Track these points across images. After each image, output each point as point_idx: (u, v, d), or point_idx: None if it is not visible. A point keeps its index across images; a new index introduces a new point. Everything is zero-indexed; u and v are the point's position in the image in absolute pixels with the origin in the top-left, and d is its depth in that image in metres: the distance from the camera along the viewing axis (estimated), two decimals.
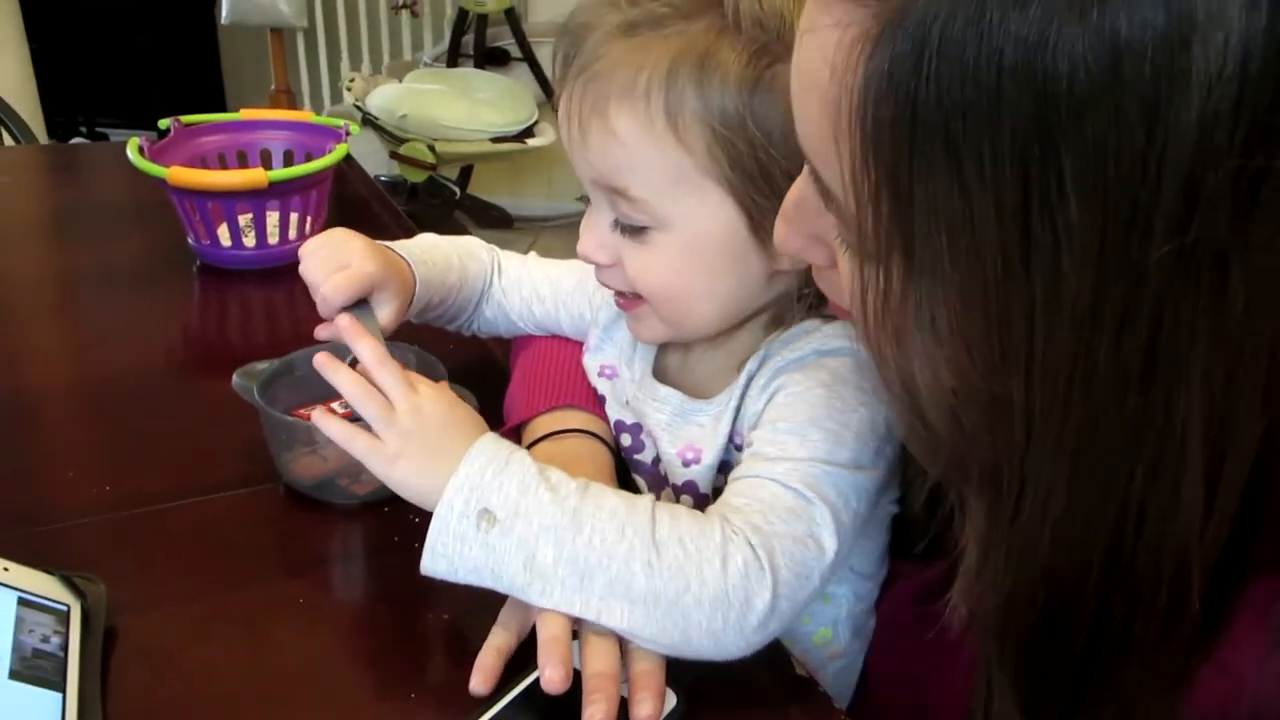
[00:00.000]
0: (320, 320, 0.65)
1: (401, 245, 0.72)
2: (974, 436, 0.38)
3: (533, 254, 0.80)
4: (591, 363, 0.72)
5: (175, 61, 3.82)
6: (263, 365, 0.70)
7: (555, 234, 3.30)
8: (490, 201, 3.37)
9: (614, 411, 0.69)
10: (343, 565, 0.65)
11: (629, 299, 0.63)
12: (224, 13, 3.18)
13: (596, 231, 0.61)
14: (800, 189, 0.47)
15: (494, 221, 3.35)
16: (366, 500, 0.66)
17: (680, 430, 0.64)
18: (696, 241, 0.58)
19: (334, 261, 0.65)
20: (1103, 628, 0.40)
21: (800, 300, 0.61)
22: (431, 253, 0.74)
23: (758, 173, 0.55)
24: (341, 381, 0.57)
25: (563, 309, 0.75)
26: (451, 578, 0.53)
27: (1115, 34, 0.30)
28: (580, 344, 0.74)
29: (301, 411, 0.67)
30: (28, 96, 2.36)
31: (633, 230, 0.59)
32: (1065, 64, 0.30)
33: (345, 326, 0.61)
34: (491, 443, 0.55)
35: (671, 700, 0.52)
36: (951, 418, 0.39)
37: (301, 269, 0.66)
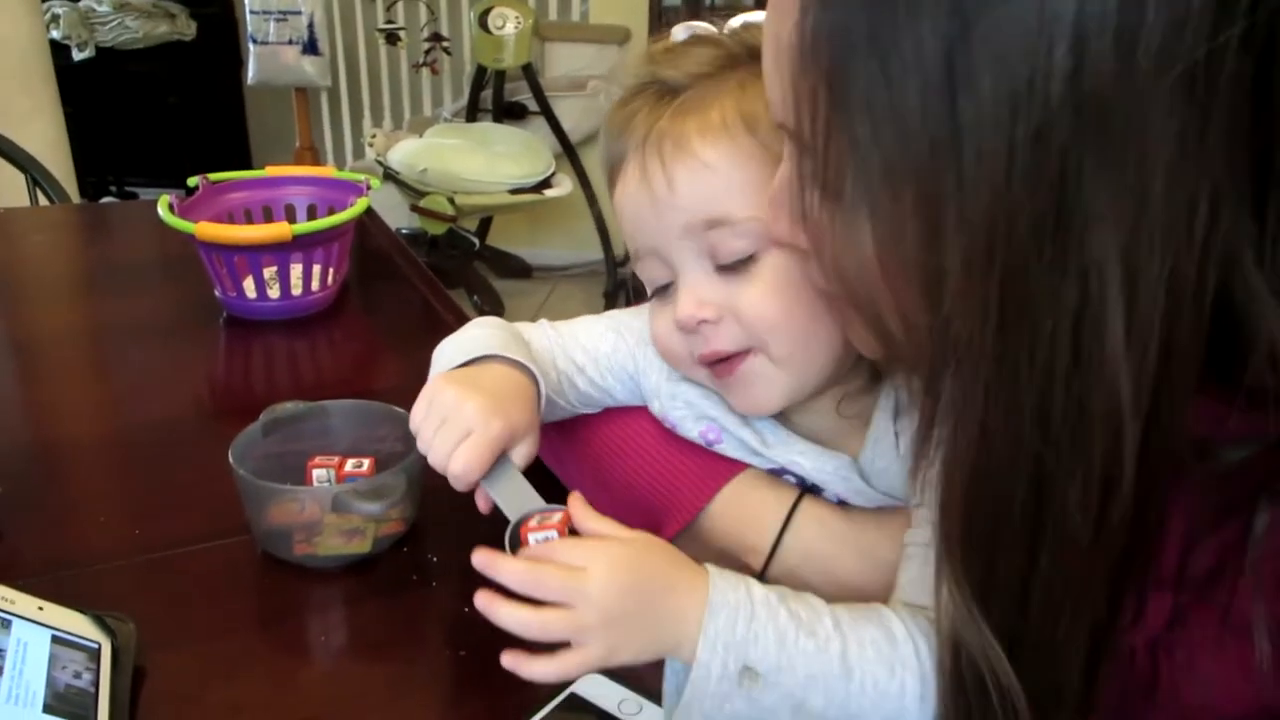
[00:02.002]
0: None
1: (486, 340, 0.65)
2: (908, 314, 0.42)
3: (544, 321, 0.73)
4: (688, 427, 0.65)
5: (203, 122, 3.93)
6: (290, 405, 0.72)
7: (574, 282, 3.34)
8: (509, 252, 3.42)
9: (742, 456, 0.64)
10: (364, 605, 0.66)
11: (730, 359, 0.59)
12: (250, 74, 3.29)
13: (694, 289, 0.58)
14: (784, 169, 0.48)
15: (513, 271, 3.40)
16: (323, 565, 0.66)
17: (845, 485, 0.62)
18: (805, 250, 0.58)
19: (453, 432, 0.57)
20: (1042, 508, 0.41)
21: None
22: (517, 343, 0.66)
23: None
24: (509, 618, 0.49)
25: (610, 375, 0.68)
26: None
27: None
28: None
29: (319, 459, 0.69)
30: (61, 157, 2.44)
31: (737, 266, 0.57)
32: None
33: (477, 561, 0.51)
34: (724, 584, 0.50)
35: None
36: (888, 299, 0.42)
37: (420, 446, 0.59)
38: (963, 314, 0.38)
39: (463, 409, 0.58)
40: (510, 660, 0.49)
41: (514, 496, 0.57)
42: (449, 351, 0.65)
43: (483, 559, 0.51)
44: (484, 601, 0.50)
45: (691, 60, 0.59)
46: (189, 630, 0.61)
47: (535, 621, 0.48)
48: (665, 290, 0.61)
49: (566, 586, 0.48)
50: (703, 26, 0.61)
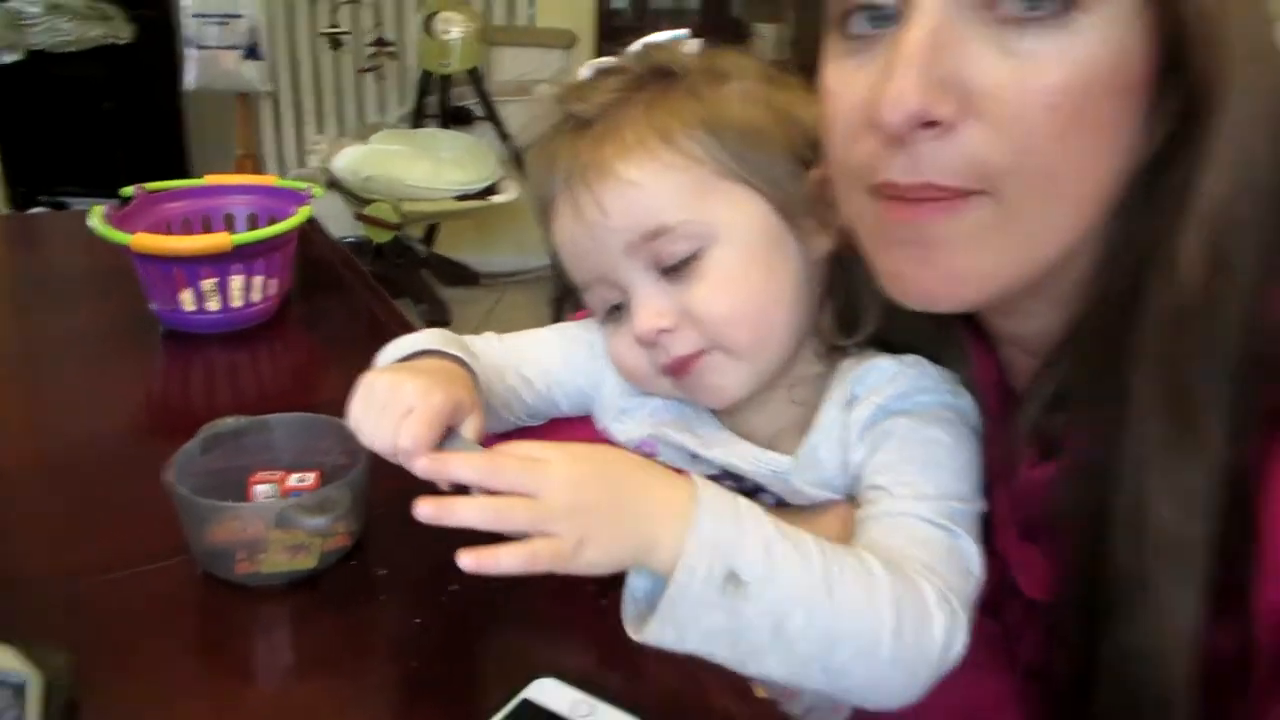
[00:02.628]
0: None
1: (424, 341, 0.65)
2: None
3: (490, 335, 0.74)
4: (624, 439, 0.67)
5: (139, 128, 3.83)
6: (230, 420, 0.70)
7: (522, 289, 3.33)
8: (456, 259, 3.40)
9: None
10: (311, 621, 0.64)
11: (690, 357, 0.60)
12: (189, 79, 3.22)
13: (648, 302, 0.60)
14: (929, 24, 0.44)
15: (460, 279, 3.38)
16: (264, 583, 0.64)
17: (781, 486, 0.63)
18: (746, 242, 0.60)
19: (394, 412, 0.56)
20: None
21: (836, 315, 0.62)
22: (455, 345, 0.66)
23: (759, 160, 0.59)
24: (467, 514, 0.48)
25: (558, 389, 0.71)
26: (677, 644, 0.48)
27: None
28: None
29: (261, 475, 0.67)
30: None
31: (683, 267, 0.59)
32: None
33: (425, 468, 0.51)
34: (710, 487, 0.49)
35: None
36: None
37: (364, 440, 0.58)
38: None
39: (400, 390, 0.57)
40: (471, 559, 0.47)
41: None
42: (387, 353, 0.65)
43: (430, 460, 0.49)
44: (431, 509, 0.47)
45: (599, 92, 0.62)
46: (127, 658, 0.60)
47: (494, 507, 0.46)
48: (617, 311, 0.63)
49: (527, 472, 0.47)
50: (606, 61, 0.64)
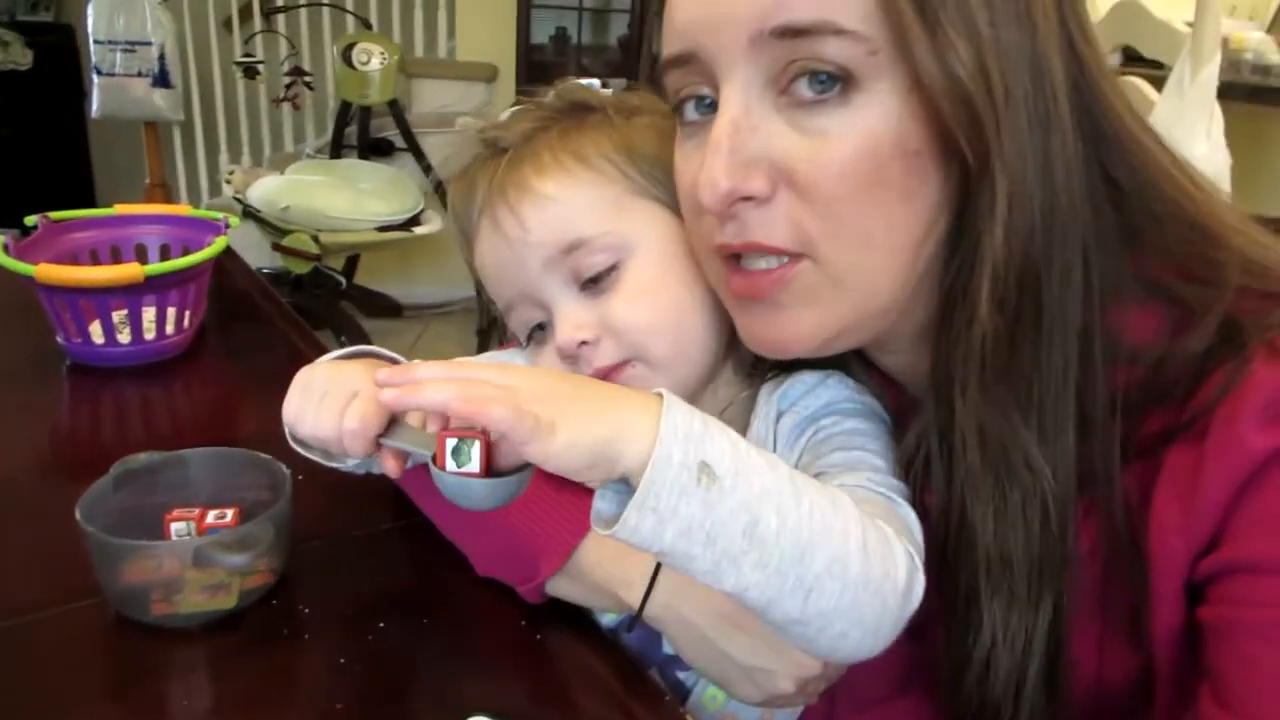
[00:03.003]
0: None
1: (355, 350, 0.66)
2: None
3: (417, 362, 0.75)
4: None
5: (41, 157, 3.71)
6: (144, 456, 0.68)
7: (446, 320, 3.30)
8: (378, 291, 3.35)
9: None
10: (231, 663, 0.62)
11: (611, 368, 0.61)
12: (94, 107, 3.13)
13: (568, 316, 0.61)
14: (731, 115, 0.50)
15: (383, 311, 3.33)
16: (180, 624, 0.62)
17: None
18: (662, 254, 0.61)
19: (338, 398, 0.55)
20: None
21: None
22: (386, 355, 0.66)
23: (670, 184, 0.60)
24: (433, 393, 0.46)
25: None
26: (654, 540, 0.45)
27: None
28: None
29: (178, 512, 0.65)
30: None
31: (602, 280, 0.61)
32: None
33: (392, 397, 0.48)
34: (672, 396, 0.48)
35: None
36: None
37: (304, 434, 0.57)
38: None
39: (341, 376, 0.57)
40: (392, 392, 0.47)
41: (423, 438, 0.54)
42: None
43: (392, 372, 0.48)
44: (395, 392, 0.47)
45: (516, 123, 0.65)
46: (36, 705, 0.57)
47: (464, 383, 0.45)
48: (540, 331, 0.64)
49: (495, 381, 0.46)
50: (526, 103, 0.67)
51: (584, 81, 0.68)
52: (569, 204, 0.61)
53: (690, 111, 0.55)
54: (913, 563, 0.51)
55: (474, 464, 0.49)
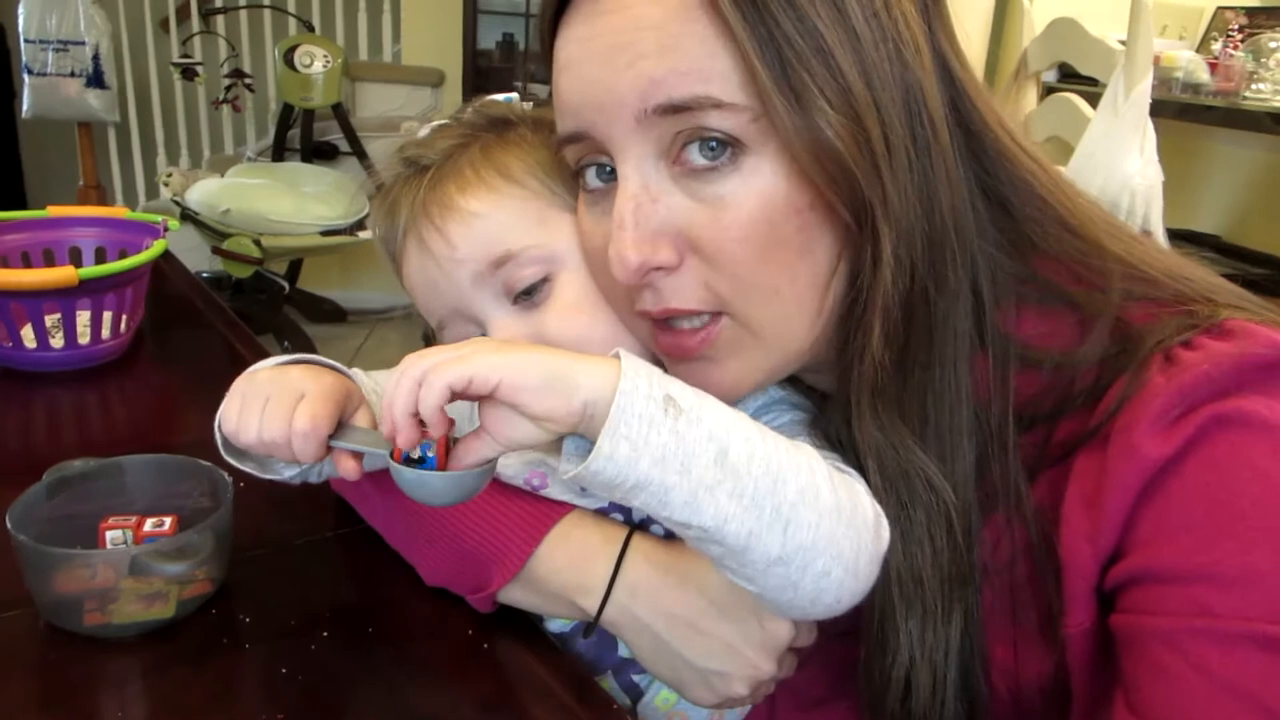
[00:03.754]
0: None
1: (291, 357, 0.64)
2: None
3: (356, 370, 0.69)
4: (513, 473, 0.65)
5: None
6: (78, 463, 0.66)
7: (392, 326, 3.26)
8: (322, 295, 3.30)
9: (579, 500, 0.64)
10: (168, 674, 0.61)
11: None
12: (25, 107, 3.04)
13: (502, 329, 0.61)
14: (630, 191, 0.52)
15: (326, 315, 3.28)
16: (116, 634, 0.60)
17: None
18: (587, 266, 0.61)
19: (285, 400, 0.55)
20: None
21: None
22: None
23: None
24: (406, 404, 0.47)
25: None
26: (629, 469, 0.45)
27: None
28: None
29: (113, 520, 0.63)
30: None
31: (534, 293, 0.60)
32: None
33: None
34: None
35: None
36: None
37: (248, 440, 0.56)
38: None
39: (286, 379, 0.56)
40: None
41: (375, 438, 0.54)
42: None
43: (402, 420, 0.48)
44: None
45: (437, 141, 0.65)
46: None
47: (424, 355, 0.47)
48: None
49: (452, 353, 0.47)
50: (444, 120, 0.68)
51: (500, 97, 0.68)
52: (494, 219, 0.60)
53: (592, 179, 0.57)
54: (873, 501, 0.52)
55: (431, 461, 0.50)
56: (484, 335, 0.63)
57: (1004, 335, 0.55)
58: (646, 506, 0.48)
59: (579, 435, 0.48)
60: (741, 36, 0.48)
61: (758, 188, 0.51)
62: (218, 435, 0.59)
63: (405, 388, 0.47)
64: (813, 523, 0.48)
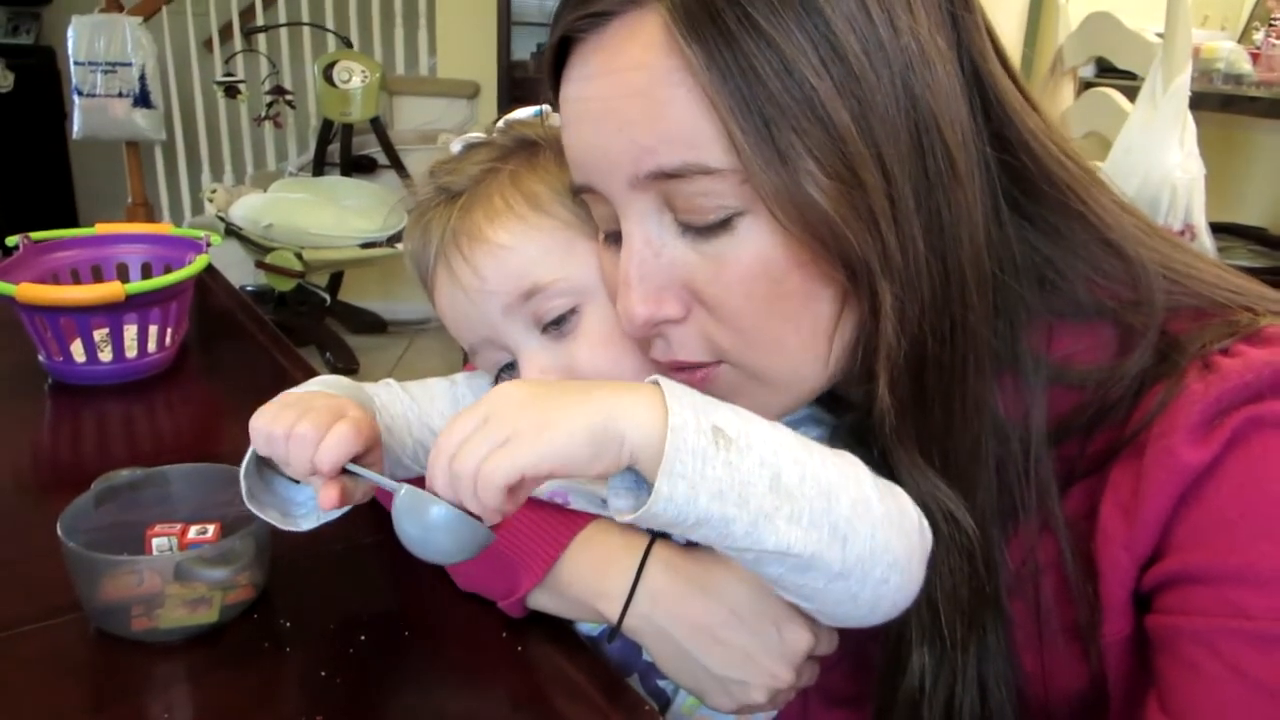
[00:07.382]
0: None
1: (313, 385, 0.65)
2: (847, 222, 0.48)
3: (390, 381, 0.72)
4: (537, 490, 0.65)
5: (23, 178, 3.69)
6: (125, 473, 0.68)
7: (432, 336, 3.30)
8: (362, 307, 3.35)
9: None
10: (212, 677, 0.63)
11: None
12: (75, 128, 3.13)
13: (533, 360, 0.61)
14: (634, 248, 0.52)
15: (367, 327, 3.33)
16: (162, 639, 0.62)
17: None
18: (611, 303, 0.60)
19: (322, 416, 0.55)
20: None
21: None
22: (349, 389, 0.65)
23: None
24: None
25: None
26: (689, 508, 0.45)
27: None
28: None
29: (159, 528, 0.65)
30: None
31: (564, 324, 0.61)
32: None
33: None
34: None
35: None
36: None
37: (280, 430, 0.55)
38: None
39: (317, 399, 0.57)
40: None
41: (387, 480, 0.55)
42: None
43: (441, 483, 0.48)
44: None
45: (468, 164, 0.64)
46: None
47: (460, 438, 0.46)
48: (509, 370, 0.65)
49: (475, 414, 0.47)
50: (475, 136, 0.67)
51: (521, 114, 0.67)
52: (523, 252, 0.60)
53: (605, 224, 0.57)
54: (912, 503, 0.52)
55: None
56: (514, 363, 0.63)
57: (1035, 355, 0.54)
58: (708, 539, 0.47)
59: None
60: (717, 101, 0.47)
61: (754, 248, 0.50)
62: (243, 484, 0.59)
63: (462, 489, 0.47)
64: (868, 534, 0.48)
